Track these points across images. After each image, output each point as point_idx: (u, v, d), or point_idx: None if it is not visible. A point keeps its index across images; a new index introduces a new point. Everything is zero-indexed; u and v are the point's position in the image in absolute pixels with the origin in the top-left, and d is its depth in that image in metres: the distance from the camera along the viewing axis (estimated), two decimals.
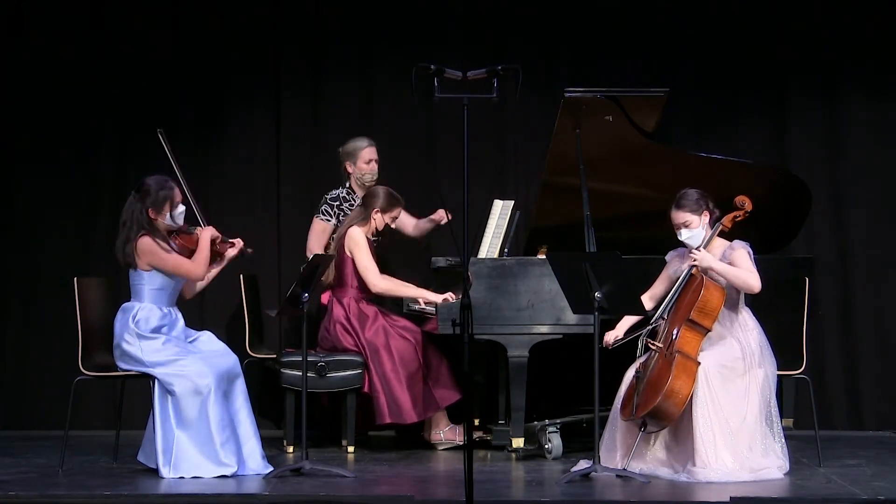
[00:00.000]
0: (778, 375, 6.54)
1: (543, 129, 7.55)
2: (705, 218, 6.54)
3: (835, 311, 8.23)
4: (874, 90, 8.28)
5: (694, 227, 6.53)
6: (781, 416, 6.53)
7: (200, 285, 6.82)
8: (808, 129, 8.30)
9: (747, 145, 8.13)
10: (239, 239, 6.89)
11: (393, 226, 7.44)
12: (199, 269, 6.63)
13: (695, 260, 6.45)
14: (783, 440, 6.45)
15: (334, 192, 7.70)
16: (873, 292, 8.24)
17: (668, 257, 6.74)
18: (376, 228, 7.40)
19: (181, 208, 6.66)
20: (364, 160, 7.67)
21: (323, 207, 7.68)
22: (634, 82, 7.67)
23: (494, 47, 8.17)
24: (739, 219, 6.62)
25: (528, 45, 8.24)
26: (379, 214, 7.36)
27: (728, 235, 6.59)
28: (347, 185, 7.73)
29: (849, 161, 8.26)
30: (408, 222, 7.73)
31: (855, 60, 8.27)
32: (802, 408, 7.42)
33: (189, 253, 6.69)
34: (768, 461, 6.33)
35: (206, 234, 6.70)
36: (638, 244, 7.01)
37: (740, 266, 6.46)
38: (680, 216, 6.54)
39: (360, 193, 7.67)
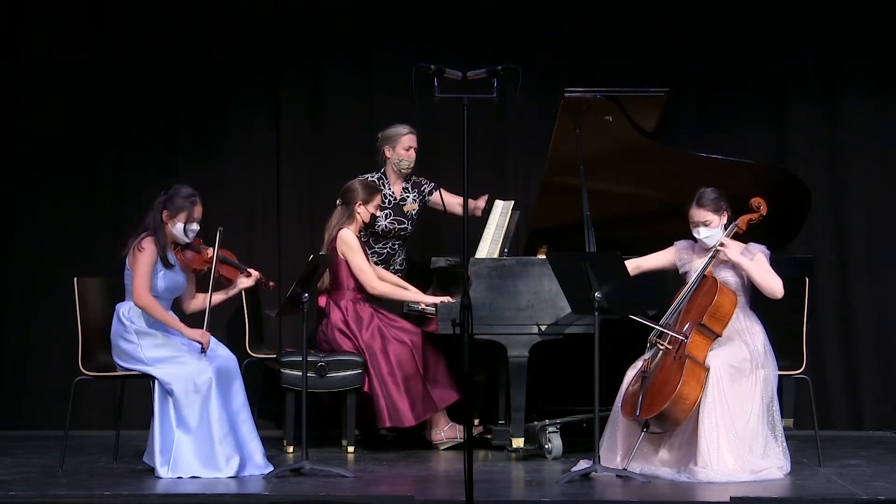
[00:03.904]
0: (778, 375, 6.54)
1: (543, 129, 7.55)
2: (724, 218, 6.55)
3: (835, 311, 8.24)
4: (874, 90, 8.28)
5: (713, 227, 6.54)
6: (782, 416, 6.53)
7: (194, 307, 6.80)
8: (808, 129, 8.30)
9: (747, 145, 8.13)
10: (255, 271, 6.90)
11: (369, 215, 7.37)
12: (141, 300, 6.48)
13: (724, 246, 6.45)
14: (784, 441, 6.45)
15: (367, 175, 7.67)
16: (873, 292, 8.24)
17: (677, 243, 6.72)
18: (363, 222, 7.39)
19: (196, 226, 6.65)
20: (403, 146, 7.63)
21: None
22: (634, 82, 7.66)
23: (494, 47, 8.17)
24: (754, 222, 6.63)
25: (528, 45, 8.24)
26: (362, 207, 7.34)
27: (739, 237, 6.60)
28: (382, 170, 7.71)
29: (849, 161, 8.26)
30: (451, 203, 7.64)
31: (855, 60, 8.27)
32: (802, 408, 7.43)
33: (190, 270, 6.70)
34: (769, 462, 6.33)
35: (193, 333, 6.56)
36: (638, 244, 7.00)
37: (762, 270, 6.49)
38: (701, 214, 6.54)
39: (393, 179, 7.66)
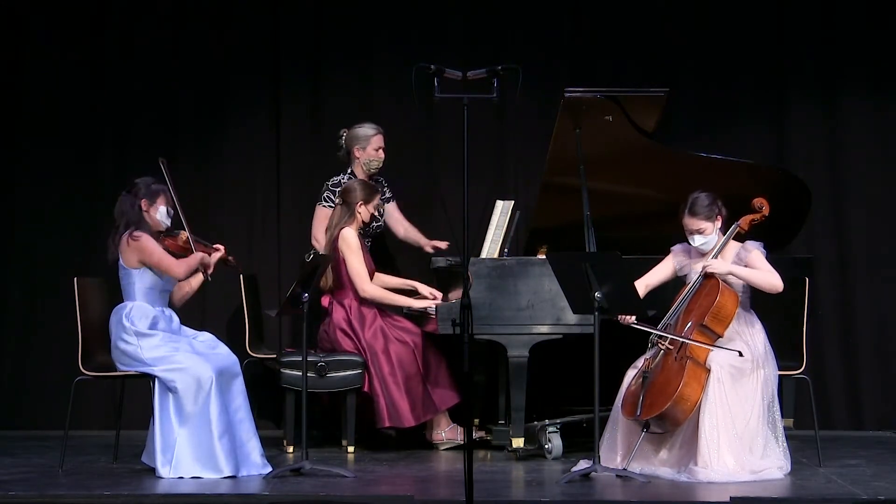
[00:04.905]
0: (778, 375, 6.54)
1: (543, 129, 7.55)
2: (718, 222, 6.53)
3: (835, 311, 8.23)
4: (874, 90, 8.28)
5: (708, 234, 6.52)
6: (782, 415, 6.53)
7: (184, 293, 6.80)
8: (808, 129, 8.30)
9: (747, 145, 8.13)
10: (220, 245, 6.89)
11: (370, 215, 7.39)
12: (180, 270, 6.60)
13: (711, 270, 6.42)
14: (785, 442, 6.45)
15: (335, 178, 7.67)
16: (873, 292, 8.24)
17: (673, 248, 6.71)
18: (363, 222, 7.39)
19: (169, 210, 6.67)
20: (374, 146, 7.66)
21: (325, 194, 7.66)
22: (634, 82, 7.67)
23: (494, 47, 8.17)
24: (756, 222, 6.62)
25: (528, 45, 8.24)
26: (363, 207, 7.34)
27: (740, 238, 6.59)
28: (350, 170, 7.72)
29: (849, 161, 8.26)
30: (398, 219, 7.74)
31: (855, 60, 8.27)
32: (802, 408, 7.42)
33: (174, 256, 6.71)
34: (769, 462, 6.33)
35: (208, 257, 6.70)
36: (638, 244, 7.00)
37: (759, 267, 6.46)
38: (694, 223, 6.52)
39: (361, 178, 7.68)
